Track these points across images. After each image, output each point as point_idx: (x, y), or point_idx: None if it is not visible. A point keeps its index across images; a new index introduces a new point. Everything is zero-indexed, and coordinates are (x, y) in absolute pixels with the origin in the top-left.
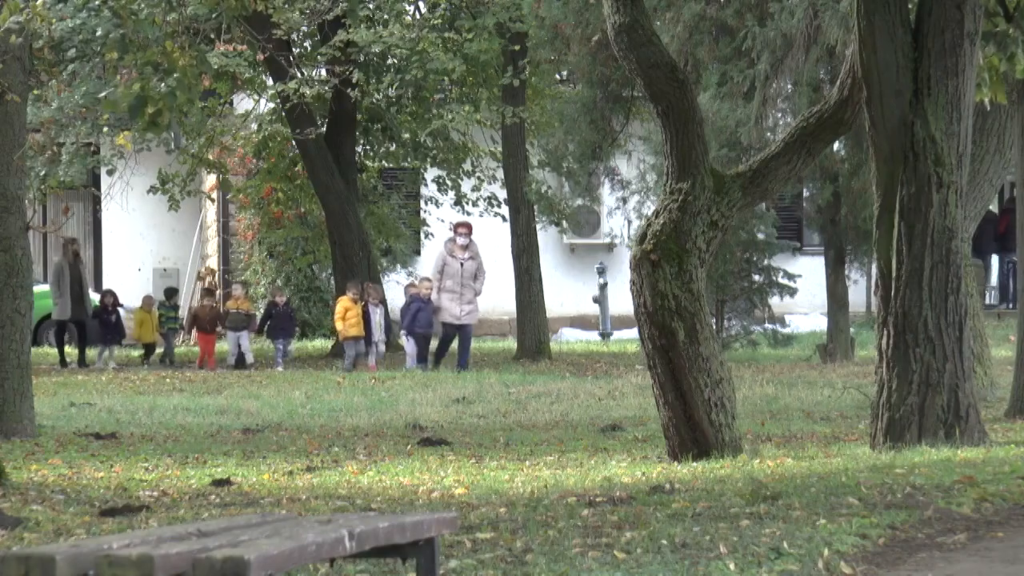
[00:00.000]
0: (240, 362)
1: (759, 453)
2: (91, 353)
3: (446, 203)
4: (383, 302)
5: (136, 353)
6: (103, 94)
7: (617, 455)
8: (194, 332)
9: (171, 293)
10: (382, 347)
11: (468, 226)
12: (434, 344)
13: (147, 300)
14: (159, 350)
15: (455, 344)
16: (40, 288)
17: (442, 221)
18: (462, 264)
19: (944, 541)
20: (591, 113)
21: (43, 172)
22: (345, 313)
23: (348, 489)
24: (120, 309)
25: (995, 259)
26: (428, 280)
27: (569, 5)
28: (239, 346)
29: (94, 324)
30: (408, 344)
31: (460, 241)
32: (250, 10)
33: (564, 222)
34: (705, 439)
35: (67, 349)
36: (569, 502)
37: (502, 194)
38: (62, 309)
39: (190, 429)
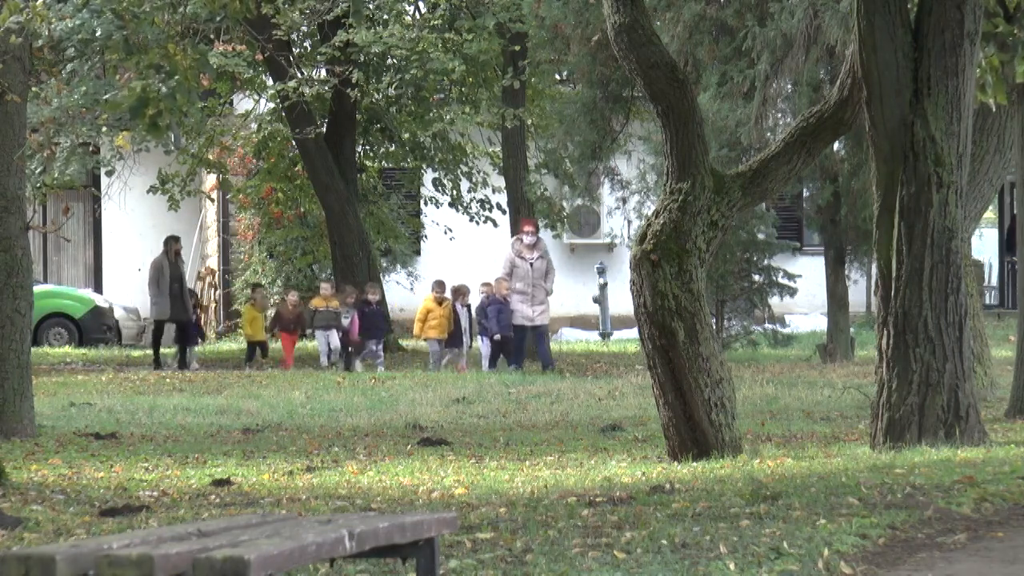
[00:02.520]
0: (339, 360)
1: (759, 453)
2: (168, 352)
3: (444, 204)
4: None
5: (136, 353)
6: (105, 96)
7: (617, 455)
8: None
9: (256, 289)
10: (483, 348)
11: (534, 224)
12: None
13: (260, 299)
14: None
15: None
16: (40, 288)
17: (437, 224)
18: (531, 264)
19: (944, 541)
20: (591, 113)
21: (39, 170)
22: (427, 314)
23: (348, 489)
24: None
25: None
26: (505, 280)
27: (569, 5)
28: (328, 345)
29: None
30: (484, 346)
31: (527, 240)
32: (253, 13)
33: (559, 225)
34: (705, 439)
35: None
36: (569, 502)
37: (495, 198)
38: (161, 309)
39: (190, 429)
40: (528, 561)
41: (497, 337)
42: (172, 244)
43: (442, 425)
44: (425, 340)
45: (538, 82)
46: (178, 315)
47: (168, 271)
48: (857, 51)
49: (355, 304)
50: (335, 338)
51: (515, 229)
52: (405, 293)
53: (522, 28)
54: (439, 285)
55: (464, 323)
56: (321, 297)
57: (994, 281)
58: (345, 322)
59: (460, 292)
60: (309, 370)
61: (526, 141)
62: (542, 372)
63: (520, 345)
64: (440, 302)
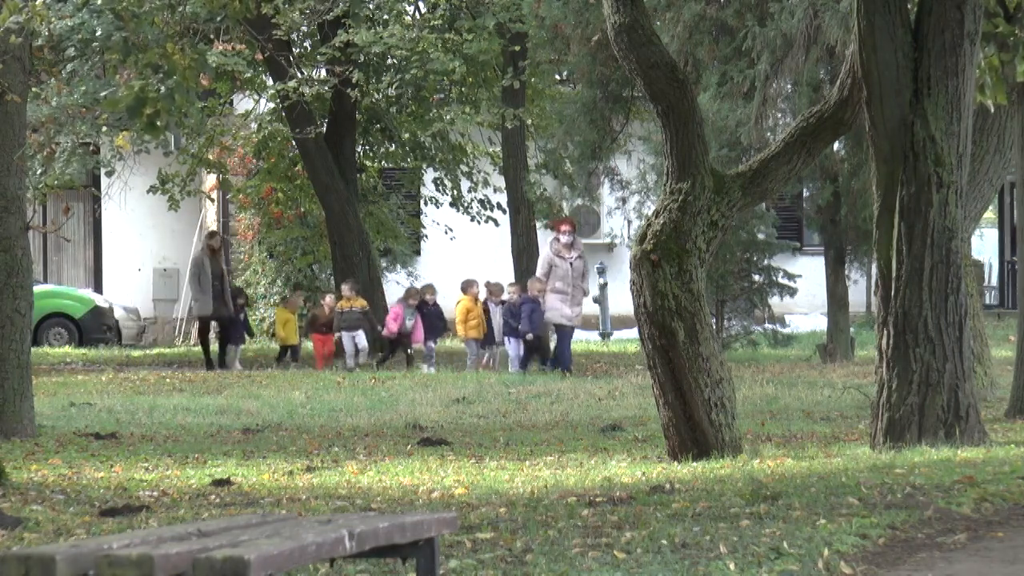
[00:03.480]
0: (369, 361)
1: (759, 453)
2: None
3: (444, 204)
4: (503, 301)
5: (136, 353)
6: (103, 94)
7: (617, 455)
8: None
9: (295, 289)
10: (511, 348)
11: (571, 223)
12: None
13: (293, 300)
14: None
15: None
16: (40, 288)
17: (437, 224)
18: (571, 263)
19: (944, 541)
20: (591, 113)
21: (40, 171)
22: (467, 314)
23: (348, 489)
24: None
25: None
26: (540, 280)
27: (569, 5)
28: (356, 346)
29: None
30: (512, 346)
31: (564, 240)
32: (253, 13)
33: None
34: (705, 439)
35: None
36: (569, 502)
37: (495, 197)
38: (202, 306)
39: (190, 429)
40: (528, 561)
41: (529, 337)
42: (209, 240)
43: (442, 425)
44: (465, 341)
45: (538, 82)
46: (220, 312)
47: (209, 267)
48: (857, 51)
49: (417, 305)
50: (362, 339)
51: (515, 229)
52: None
53: (522, 28)
54: (472, 284)
55: (500, 320)
56: (345, 298)
57: (994, 281)
58: (409, 324)
59: (493, 290)
60: (309, 370)
61: (526, 141)
62: (562, 374)
63: (566, 344)
64: (476, 301)
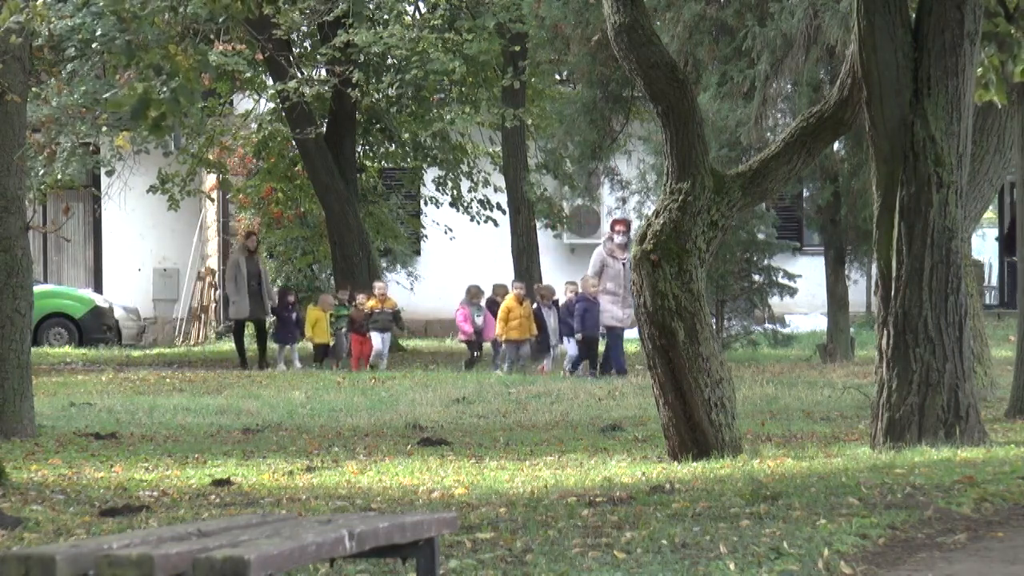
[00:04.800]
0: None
1: (759, 453)
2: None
3: (444, 204)
4: (556, 302)
5: (136, 353)
6: (106, 95)
7: (617, 455)
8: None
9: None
10: (569, 348)
11: (626, 223)
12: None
13: (325, 299)
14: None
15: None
16: (40, 288)
17: (437, 224)
18: (624, 264)
19: (944, 541)
20: (591, 113)
21: (40, 171)
22: (508, 314)
23: (348, 489)
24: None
25: None
26: (593, 279)
27: (569, 5)
28: (384, 346)
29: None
30: (571, 346)
31: (618, 240)
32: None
33: (558, 225)
34: (705, 439)
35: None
36: (569, 502)
37: (495, 197)
38: (238, 308)
39: (190, 429)
40: (528, 561)
41: (579, 337)
42: (248, 239)
43: (442, 425)
44: (505, 342)
45: (538, 82)
46: (256, 314)
47: (245, 268)
48: (857, 51)
49: (487, 303)
50: (388, 340)
51: (515, 229)
52: (405, 293)
53: (522, 28)
54: (521, 284)
55: (554, 323)
56: (377, 298)
57: (994, 281)
58: (479, 321)
59: (545, 292)
60: (310, 370)
61: (526, 141)
62: (617, 376)
63: (617, 347)
64: (521, 301)
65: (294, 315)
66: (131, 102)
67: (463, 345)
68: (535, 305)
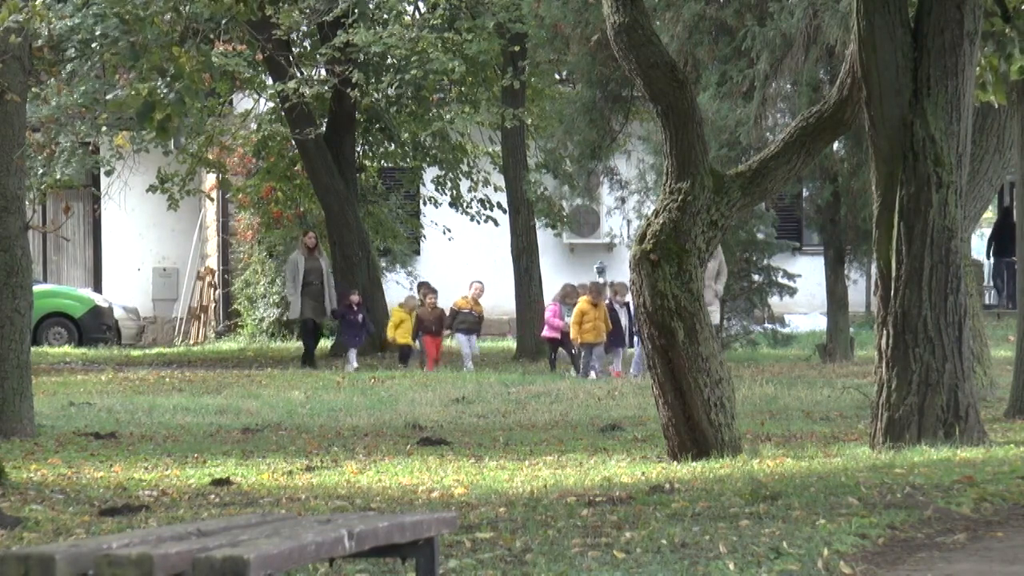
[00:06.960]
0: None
1: (759, 453)
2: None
3: (444, 204)
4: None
5: (136, 353)
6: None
7: (617, 455)
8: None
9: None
10: (638, 350)
11: None
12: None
13: (410, 300)
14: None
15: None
16: (40, 288)
17: (436, 224)
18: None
19: (944, 541)
20: (591, 113)
21: (40, 171)
22: (582, 317)
23: (348, 489)
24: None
25: None
26: None
27: (569, 5)
28: (471, 348)
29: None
30: (637, 347)
31: None
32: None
33: (558, 225)
34: (705, 439)
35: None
36: (569, 502)
37: (495, 197)
38: (295, 307)
39: (190, 429)
40: (528, 561)
41: None
42: (306, 236)
43: (442, 425)
44: (581, 345)
45: (538, 82)
46: (313, 314)
47: (303, 266)
48: (857, 51)
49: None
50: (474, 341)
51: (515, 229)
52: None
53: (522, 28)
54: (595, 286)
55: (624, 322)
56: (464, 298)
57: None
58: (569, 320)
59: (619, 290)
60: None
61: (526, 141)
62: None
63: None
64: (595, 304)
65: (359, 316)
66: (135, 104)
67: (545, 343)
68: (607, 301)
